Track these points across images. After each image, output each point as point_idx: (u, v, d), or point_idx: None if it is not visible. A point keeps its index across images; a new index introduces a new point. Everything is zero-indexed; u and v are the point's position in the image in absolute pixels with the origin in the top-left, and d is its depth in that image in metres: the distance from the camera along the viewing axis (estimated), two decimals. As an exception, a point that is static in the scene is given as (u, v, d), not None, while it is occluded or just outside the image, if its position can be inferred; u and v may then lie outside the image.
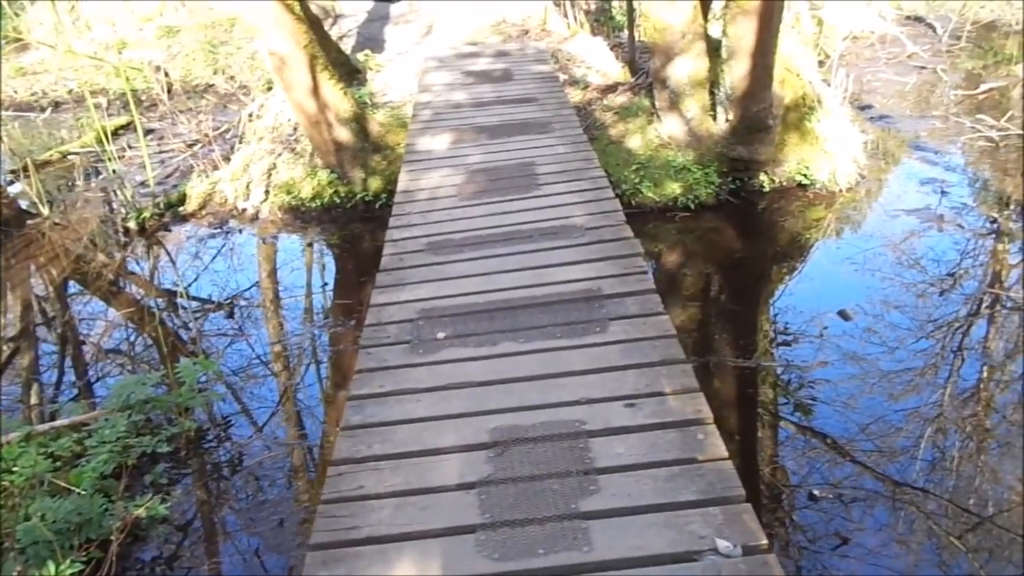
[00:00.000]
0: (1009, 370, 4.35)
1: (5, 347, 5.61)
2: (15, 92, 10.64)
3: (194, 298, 5.99)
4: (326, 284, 6.24)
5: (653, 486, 2.28)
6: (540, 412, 2.64)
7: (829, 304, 4.95)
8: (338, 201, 6.80)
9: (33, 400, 4.97)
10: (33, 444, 3.59)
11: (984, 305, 4.94)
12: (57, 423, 3.89)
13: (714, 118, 6.22)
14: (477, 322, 3.23)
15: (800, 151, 6.40)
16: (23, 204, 7.41)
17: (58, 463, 3.65)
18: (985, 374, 4.32)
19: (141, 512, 3.29)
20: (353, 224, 6.76)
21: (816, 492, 3.46)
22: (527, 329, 3.13)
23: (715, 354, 4.51)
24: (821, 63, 8.30)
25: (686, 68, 6.09)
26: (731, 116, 6.03)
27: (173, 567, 3.35)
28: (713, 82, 6.17)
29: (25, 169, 7.72)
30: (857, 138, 6.91)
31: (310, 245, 6.79)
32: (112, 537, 3.19)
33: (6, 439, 3.61)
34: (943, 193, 6.37)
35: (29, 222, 7.17)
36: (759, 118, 5.94)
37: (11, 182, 8.11)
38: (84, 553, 3.09)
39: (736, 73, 5.69)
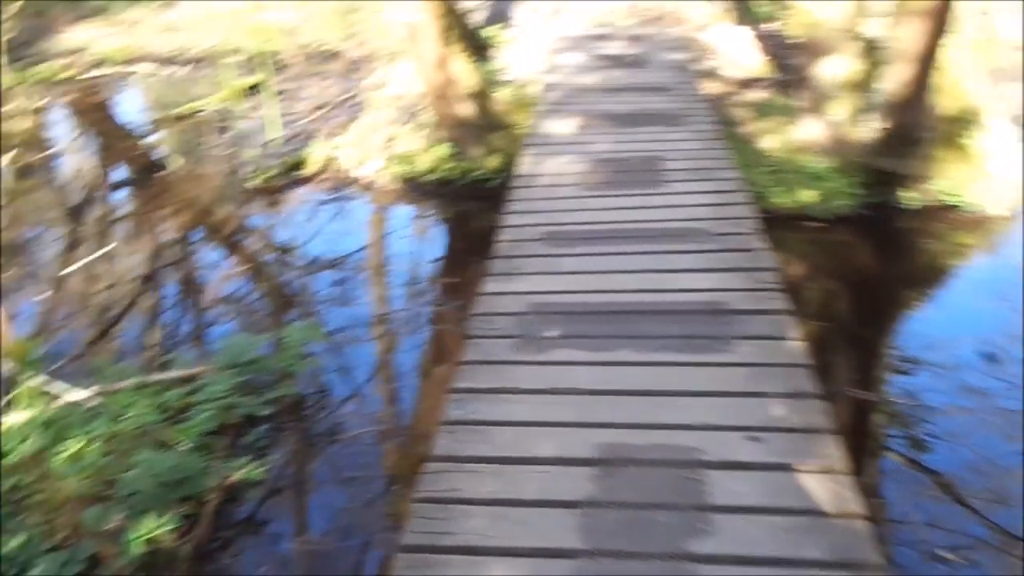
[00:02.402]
0: None
1: (132, 285, 5.86)
2: (160, 47, 11.13)
3: (306, 258, 6.09)
4: (434, 259, 6.21)
5: (773, 536, 2.06)
6: (652, 432, 2.45)
7: (962, 335, 4.49)
8: (454, 177, 6.74)
9: (153, 340, 5.18)
10: (144, 394, 3.67)
11: None
12: (167, 375, 3.98)
13: (862, 124, 5.76)
14: (590, 324, 3.05)
15: (953, 168, 5.84)
16: (158, 156, 7.74)
17: (166, 414, 3.74)
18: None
19: (239, 476, 3.31)
20: (467, 201, 6.68)
21: (946, 555, 3.12)
22: (644, 338, 2.93)
23: (832, 379, 4.17)
24: (989, 74, 7.58)
25: (836, 68, 5.65)
26: (882, 124, 5.56)
27: (262, 532, 3.37)
28: (864, 85, 5.71)
29: (164, 122, 8.06)
30: (1021, 160, 6.25)
31: (422, 218, 6.78)
32: (208, 496, 3.23)
33: (120, 386, 3.71)
34: (1115, 229, 5.69)
35: (162, 172, 7.49)
36: (912, 129, 5.45)
37: (151, 133, 8.50)
38: (181, 509, 3.13)
39: (895, 78, 5.23)
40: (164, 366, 4.41)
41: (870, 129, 5.72)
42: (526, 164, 4.73)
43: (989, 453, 3.60)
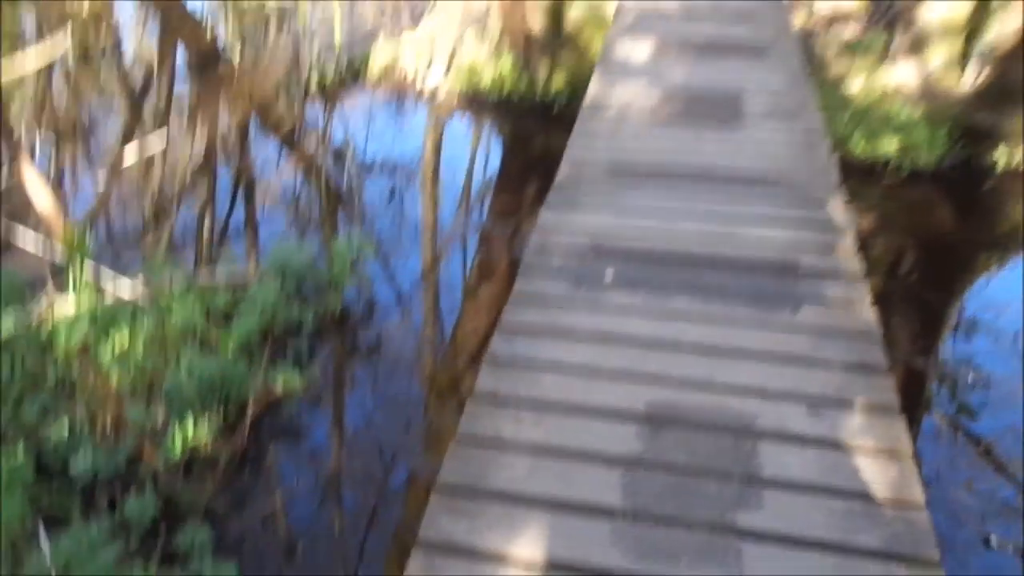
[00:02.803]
0: None
1: (187, 175, 5.88)
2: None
3: (362, 162, 6.02)
4: (490, 177, 6.06)
5: (826, 519, 1.95)
6: (706, 392, 2.33)
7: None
8: (517, 93, 6.50)
9: (205, 233, 5.21)
10: (192, 294, 3.66)
11: None
12: (216, 278, 3.96)
13: (962, 73, 5.33)
14: (651, 269, 2.91)
15: (1054, 130, 5.41)
16: (221, 45, 7.62)
17: (212, 317, 3.73)
18: None
19: (279, 388, 3.31)
20: (527, 120, 6.48)
21: (993, 539, 3.00)
22: (706, 291, 2.77)
23: (892, 340, 4.02)
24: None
25: (942, 9, 5.20)
26: (983, 75, 5.14)
27: (299, 442, 3.39)
28: (971, 31, 5.25)
29: (228, 11, 7.89)
30: None
31: (481, 133, 6.61)
32: (249, 403, 3.24)
33: (171, 287, 3.69)
34: None
35: (223, 63, 7.39)
36: (1017, 83, 5.02)
37: (215, 21, 8.35)
38: (222, 415, 3.15)
39: (1006, 26, 4.78)
40: (213, 265, 4.41)
41: (969, 80, 5.30)
42: (595, 89, 4.48)
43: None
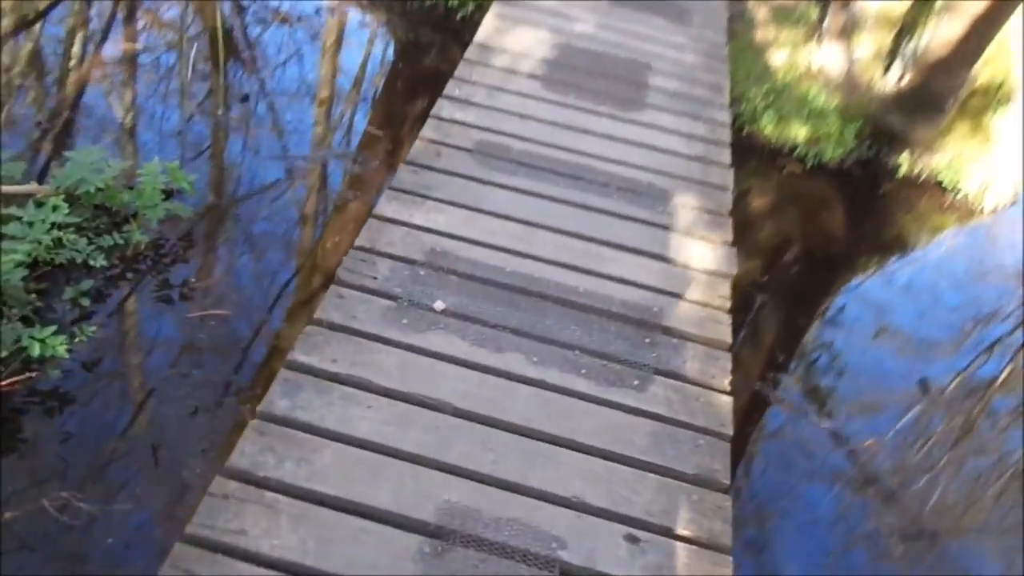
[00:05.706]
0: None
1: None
2: None
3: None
4: (372, 93, 5.33)
5: None
6: (513, 499, 1.93)
7: (900, 315, 4.35)
8: (420, -5, 5.69)
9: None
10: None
11: None
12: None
13: (886, 70, 4.95)
14: (490, 301, 2.43)
15: (962, 146, 5.19)
16: None
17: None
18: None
19: (38, 350, 2.69)
20: (425, 27, 5.71)
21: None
22: (548, 343, 2.33)
23: (754, 332, 3.89)
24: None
25: (881, -2, 4.74)
26: (907, 78, 4.78)
27: (55, 421, 2.80)
28: (904, 29, 4.83)
29: None
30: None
31: (369, 33, 5.81)
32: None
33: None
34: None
35: None
36: (939, 96, 4.70)
37: None
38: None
39: (941, 33, 4.39)
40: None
41: (892, 79, 4.94)
42: (489, 26, 3.81)
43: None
